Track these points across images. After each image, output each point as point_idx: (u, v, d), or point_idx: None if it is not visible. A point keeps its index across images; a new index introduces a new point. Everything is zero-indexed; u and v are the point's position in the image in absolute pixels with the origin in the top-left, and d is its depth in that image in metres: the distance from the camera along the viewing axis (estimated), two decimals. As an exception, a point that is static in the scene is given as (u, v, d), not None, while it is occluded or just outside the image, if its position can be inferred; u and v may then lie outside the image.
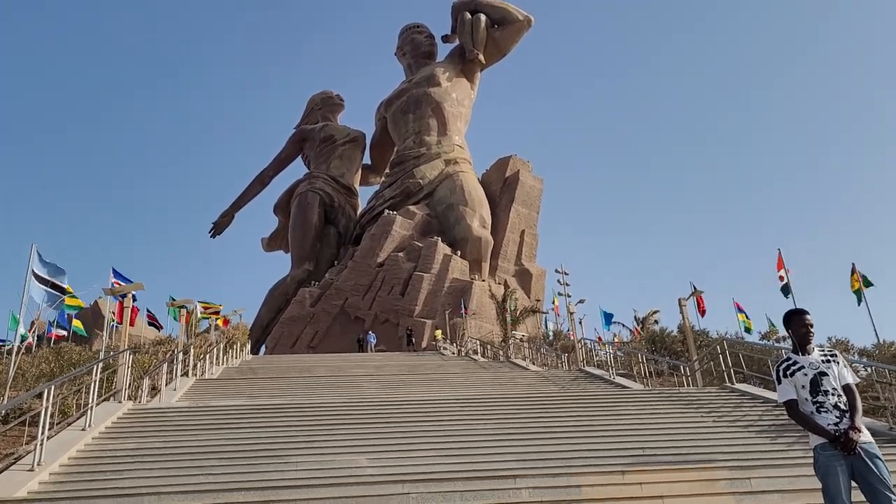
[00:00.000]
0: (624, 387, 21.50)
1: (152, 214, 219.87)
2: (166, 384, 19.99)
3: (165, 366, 20.13)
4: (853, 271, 24.84)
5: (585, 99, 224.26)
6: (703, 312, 27.03)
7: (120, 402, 16.29)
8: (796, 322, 6.69)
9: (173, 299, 32.23)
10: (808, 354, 6.59)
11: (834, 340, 24.91)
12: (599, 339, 40.11)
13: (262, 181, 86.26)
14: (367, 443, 12.95)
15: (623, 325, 63.72)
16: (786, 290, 25.49)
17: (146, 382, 18.12)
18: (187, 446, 12.86)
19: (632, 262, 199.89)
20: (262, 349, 66.69)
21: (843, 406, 6.33)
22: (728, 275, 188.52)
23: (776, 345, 25.58)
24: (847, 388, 6.42)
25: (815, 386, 6.42)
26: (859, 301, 25.06)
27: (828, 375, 6.44)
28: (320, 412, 15.52)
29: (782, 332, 33.35)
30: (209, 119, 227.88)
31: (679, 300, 23.12)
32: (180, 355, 22.84)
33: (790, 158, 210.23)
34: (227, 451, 12.52)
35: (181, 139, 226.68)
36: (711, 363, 20.90)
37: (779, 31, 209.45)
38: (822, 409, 6.37)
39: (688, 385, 20.97)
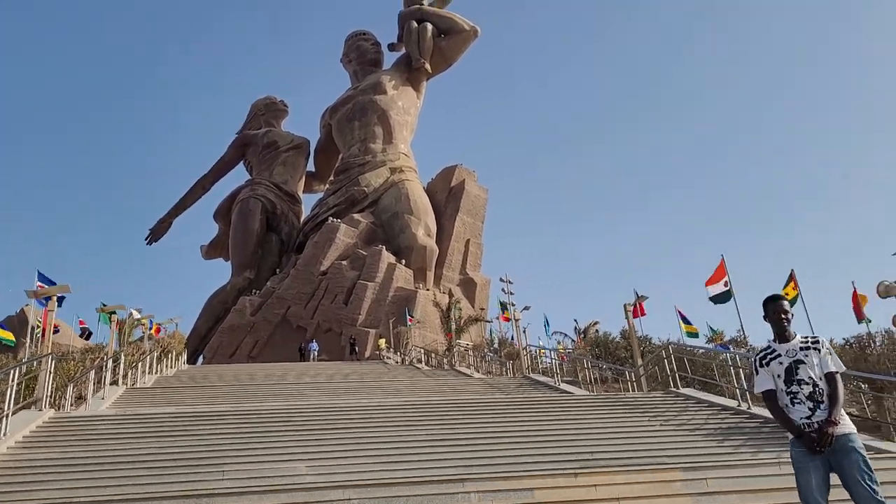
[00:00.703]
0: (570, 393, 21.30)
1: (86, 219, 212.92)
2: (93, 393, 18.90)
3: (93, 373, 19.04)
4: (791, 277, 25.28)
5: (530, 106, 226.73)
6: (642, 313, 26.96)
7: (40, 410, 15.24)
8: (770, 309, 6.35)
9: (104, 305, 30.82)
10: (788, 342, 6.24)
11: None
12: (542, 350, 40.04)
13: (202, 187, 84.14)
14: (306, 450, 12.34)
15: (565, 335, 64.13)
16: (727, 296, 25.70)
17: (70, 390, 17.05)
18: (113, 456, 12.02)
19: (574, 269, 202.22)
20: (200, 359, 64.75)
21: (818, 397, 5.94)
22: (670, 282, 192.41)
23: (720, 348, 25.81)
24: (829, 377, 6.02)
25: (790, 375, 6.08)
26: (793, 304, 25.37)
27: (804, 364, 6.07)
28: (258, 419, 14.81)
29: (728, 335, 33.82)
30: (152, 124, 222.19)
31: (624, 305, 23.12)
32: (109, 363, 21.68)
33: (732, 160, 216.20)
34: (157, 459, 11.75)
35: (120, 143, 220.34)
36: (656, 368, 20.89)
37: (716, 32, 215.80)
38: (795, 401, 6.02)
39: (633, 390, 20.91)
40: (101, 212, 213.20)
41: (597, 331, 64.02)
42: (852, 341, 23.43)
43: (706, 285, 25.85)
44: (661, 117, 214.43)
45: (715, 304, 25.67)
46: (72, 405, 17.26)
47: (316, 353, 52.55)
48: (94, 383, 18.92)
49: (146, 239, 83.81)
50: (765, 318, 6.46)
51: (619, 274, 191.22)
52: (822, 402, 5.94)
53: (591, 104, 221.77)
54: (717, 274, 25.86)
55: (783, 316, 6.28)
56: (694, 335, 36.53)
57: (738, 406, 15.56)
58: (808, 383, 6.02)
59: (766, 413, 14.78)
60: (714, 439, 13.01)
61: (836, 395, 5.93)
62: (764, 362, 6.30)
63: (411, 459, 11.64)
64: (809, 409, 5.95)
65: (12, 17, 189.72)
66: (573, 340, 61.76)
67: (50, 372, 15.83)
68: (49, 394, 15.56)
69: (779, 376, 6.16)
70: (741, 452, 11.75)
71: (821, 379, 6.01)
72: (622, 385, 22.40)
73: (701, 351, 22.42)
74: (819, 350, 6.13)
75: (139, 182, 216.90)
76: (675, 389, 18.53)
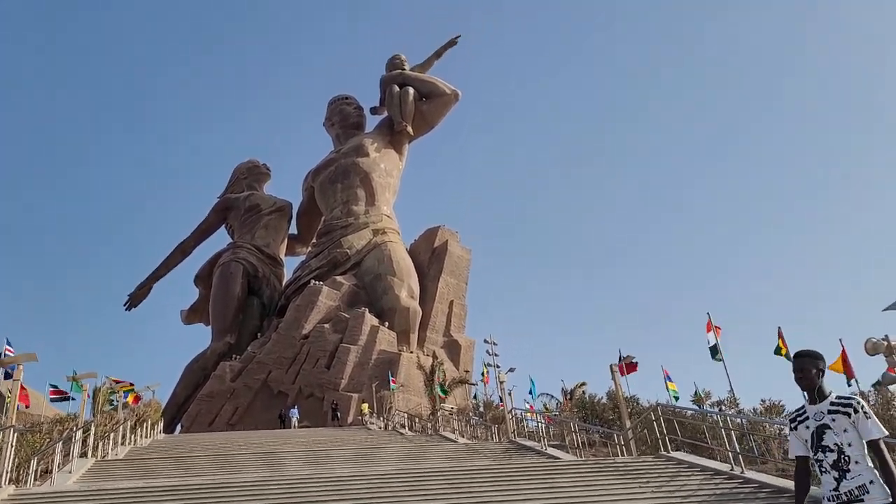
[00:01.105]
0: (557, 458, 20.66)
1: (62, 285, 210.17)
2: (60, 466, 18.02)
3: (60, 446, 18.17)
4: (780, 335, 25.03)
5: (512, 165, 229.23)
6: (634, 367, 26.42)
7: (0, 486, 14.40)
8: (793, 366, 5.78)
9: (76, 373, 29.88)
10: (818, 403, 5.65)
11: (769, 403, 24.84)
12: (531, 408, 39.25)
13: (182, 251, 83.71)
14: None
15: (551, 396, 63.23)
16: (713, 351, 25.39)
17: (34, 464, 16.20)
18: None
19: (560, 328, 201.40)
20: (178, 428, 63.06)
21: (844, 465, 5.31)
22: (656, 342, 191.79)
23: (709, 410, 25.30)
24: (872, 446, 5.34)
25: (817, 441, 5.50)
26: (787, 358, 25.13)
27: (830, 429, 5.45)
28: (232, 494, 14.09)
29: (716, 396, 33.20)
30: (131, 186, 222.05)
31: (611, 366, 22.68)
32: (79, 433, 20.78)
33: (715, 224, 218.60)
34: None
35: (98, 210, 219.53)
36: (645, 430, 20.35)
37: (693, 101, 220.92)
38: (822, 470, 5.45)
39: (622, 454, 20.30)
40: (78, 279, 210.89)
41: (584, 392, 63.23)
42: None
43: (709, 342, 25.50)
44: (646, 171, 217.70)
45: (714, 357, 25.28)
46: (36, 480, 16.38)
47: (296, 420, 51.33)
48: (61, 456, 18.02)
49: (125, 305, 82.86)
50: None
51: (606, 333, 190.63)
52: (849, 470, 5.32)
53: (572, 160, 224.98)
54: (708, 329, 25.62)
55: (800, 375, 5.70)
56: (675, 397, 35.99)
57: (731, 470, 15.02)
58: (832, 450, 5.42)
59: (762, 478, 14.28)
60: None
61: (888, 470, 5.18)
62: (793, 426, 5.76)
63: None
64: (835, 478, 5.36)
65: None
66: (559, 402, 60.86)
67: (11, 445, 15.06)
68: (10, 469, 14.75)
69: (806, 441, 5.62)
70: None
71: (849, 445, 5.36)
72: (611, 448, 21.77)
73: (690, 413, 21.97)
74: (849, 414, 5.46)
75: (119, 247, 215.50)
76: (665, 453, 17.95)
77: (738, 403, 26.09)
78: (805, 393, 5.78)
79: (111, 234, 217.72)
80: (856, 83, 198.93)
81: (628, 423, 21.49)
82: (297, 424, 50.39)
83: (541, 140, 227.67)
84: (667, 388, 31.85)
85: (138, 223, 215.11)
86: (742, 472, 14.71)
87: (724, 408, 26.93)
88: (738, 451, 15.26)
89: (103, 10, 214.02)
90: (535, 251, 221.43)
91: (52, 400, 40.91)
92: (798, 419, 5.74)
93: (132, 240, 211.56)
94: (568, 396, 62.80)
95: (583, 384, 66.10)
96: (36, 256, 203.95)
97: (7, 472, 14.71)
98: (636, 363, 24.06)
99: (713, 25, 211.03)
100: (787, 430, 5.95)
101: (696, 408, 27.42)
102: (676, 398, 37.54)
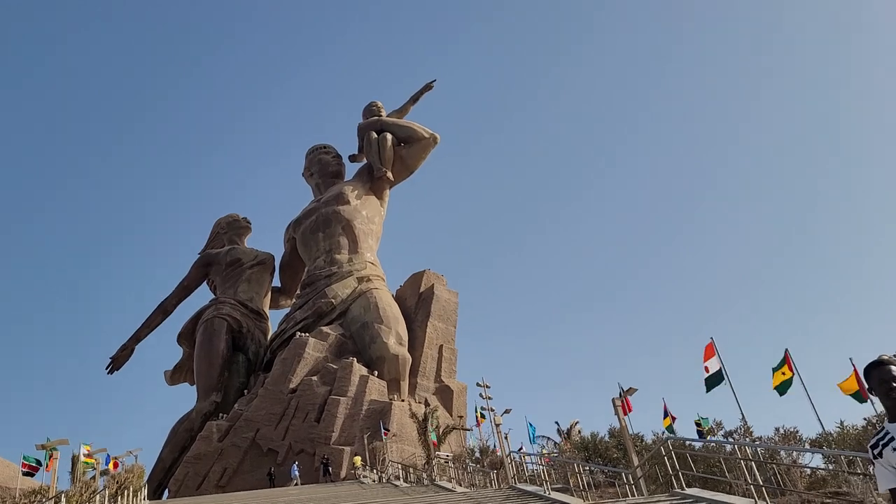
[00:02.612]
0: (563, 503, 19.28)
1: (41, 352, 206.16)
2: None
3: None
4: (785, 359, 23.89)
5: (494, 206, 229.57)
6: (629, 408, 25.24)
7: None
8: (874, 378, 4.68)
9: (49, 440, 28.26)
10: None
11: (783, 431, 23.56)
12: (525, 453, 37.71)
13: (164, 311, 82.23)
14: None
15: (548, 438, 61.74)
16: (715, 379, 24.16)
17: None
18: None
19: (550, 369, 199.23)
20: (166, 493, 60.78)
21: None
22: (651, 375, 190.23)
23: (724, 441, 24.00)
24: None
25: None
26: (783, 392, 23.98)
27: None
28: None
29: (729, 426, 31.75)
30: (106, 242, 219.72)
31: (613, 400, 21.45)
32: (47, 506, 19.18)
33: (693, 248, 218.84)
34: None
35: (70, 271, 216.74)
36: (655, 467, 19.07)
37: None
38: None
39: (632, 494, 18.95)
40: (55, 342, 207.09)
41: (579, 431, 61.76)
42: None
43: (706, 371, 24.34)
44: (631, 199, 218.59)
45: (708, 390, 24.12)
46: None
47: (297, 477, 49.38)
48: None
49: (107, 368, 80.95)
50: (869, 390, 4.87)
51: (596, 370, 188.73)
52: None
53: (557, 191, 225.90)
54: (707, 356, 24.45)
55: (893, 385, 4.58)
56: (669, 429, 34.62)
57: (755, 505, 13.80)
58: None
59: (789, 512, 13.07)
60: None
61: None
62: (876, 452, 4.64)
63: None
64: None
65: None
66: (556, 443, 59.35)
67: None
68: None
69: (894, 467, 4.53)
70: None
71: None
72: (618, 489, 20.42)
73: (698, 446, 20.70)
74: None
75: (99, 309, 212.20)
76: (679, 490, 16.63)
77: (751, 432, 24.80)
78: (886, 409, 4.68)
79: (77, 295, 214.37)
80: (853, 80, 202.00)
81: (636, 461, 20.18)
82: (298, 482, 48.45)
83: (525, 174, 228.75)
84: (669, 427, 30.55)
85: (112, 283, 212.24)
86: (766, 507, 13.52)
87: (737, 438, 25.54)
88: (761, 482, 14.06)
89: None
90: (520, 292, 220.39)
91: (25, 474, 39.00)
92: (882, 443, 4.61)
93: (103, 302, 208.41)
94: (565, 436, 61.38)
95: (576, 422, 64.73)
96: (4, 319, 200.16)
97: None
98: (635, 389, 22.80)
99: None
100: (871, 459, 4.72)
101: (706, 440, 26.00)
102: (671, 430, 36.26)
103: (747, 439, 23.41)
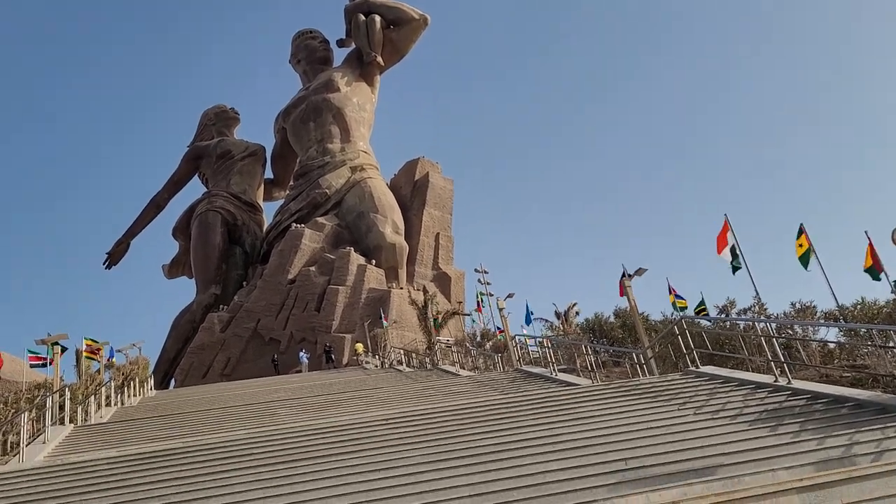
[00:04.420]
0: (571, 384, 19.18)
1: (45, 245, 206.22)
2: (30, 438, 16.32)
3: (27, 415, 16.40)
4: (801, 232, 23.37)
5: (488, 90, 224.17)
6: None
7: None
8: None
9: (49, 335, 28.05)
10: None
11: (799, 305, 23.41)
12: (529, 336, 37.78)
13: (157, 205, 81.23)
14: (281, 490, 10.04)
15: (546, 320, 62.27)
16: (735, 260, 23.59)
17: (-6, 440, 14.48)
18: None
19: (548, 253, 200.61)
20: (172, 383, 62.03)
21: None
22: (650, 255, 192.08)
23: (741, 318, 23.79)
24: None
25: None
26: (806, 265, 23.55)
27: None
28: (223, 455, 12.48)
29: (743, 304, 31.43)
30: (97, 136, 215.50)
31: (621, 281, 21.06)
32: (51, 399, 19.04)
33: (689, 126, 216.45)
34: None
35: (71, 162, 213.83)
36: (669, 347, 18.82)
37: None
38: None
39: (643, 374, 18.82)
40: (54, 238, 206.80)
41: (577, 313, 62.33)
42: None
43: (718, 253, 23.76)
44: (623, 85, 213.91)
45: (734, 273, 23.59)
46: (5, 455, 14.70)
47: (307, 364, 50.00)
48: (26, 426, 16.19)
49: (104, 263, 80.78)
50: None
51: (593, 252, 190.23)
52: None
53: (553, 77, 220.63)
54: (722, 238, 23.83)
55: None
56: (683, 309, 34.46)
57: (776, 382, 13.52)
58: None
59: (813, 387, 12.81)
60: (765, 427, 10.83)
61: None
62: None
63: (408, 492, 9.41)
64: None
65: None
66: (554, 325, 59.94)
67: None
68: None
69: None
70: (808, 440, 9.67)
71: None
72: (626, 369, 20.33)
73: (707, 325, 20.53)
74: None
75: (95, 207, 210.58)
76: (694, 369, 16.41)
77: (766, 310, 24.58)
78: None
79: (75, 189, 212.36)
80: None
81: (647, 341, 19.99)
82: (307, 368, 49.13)
83: (519, 62, 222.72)
84: (673, 304, 30.12)
85: (105, 178, 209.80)
86: (789, 383, 13.22)
87: (753, 315, 25.32)
88: (783, 358, 13.75)
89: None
90: (516, 176, 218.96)
91: (33, 366, 39.29)
92: None
93: (98, 195, 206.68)
94: (563, 318, 61.97)
95: (574, 304, 65.35)
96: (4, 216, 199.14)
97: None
98: (644, 270, 22.23)
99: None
100: None
101: (722, 318, 25.77)
102: (685, 310, 36.07)
103: (762, 317, 23.30)
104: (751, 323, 17.08)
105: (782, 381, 13.43)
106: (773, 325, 15.65)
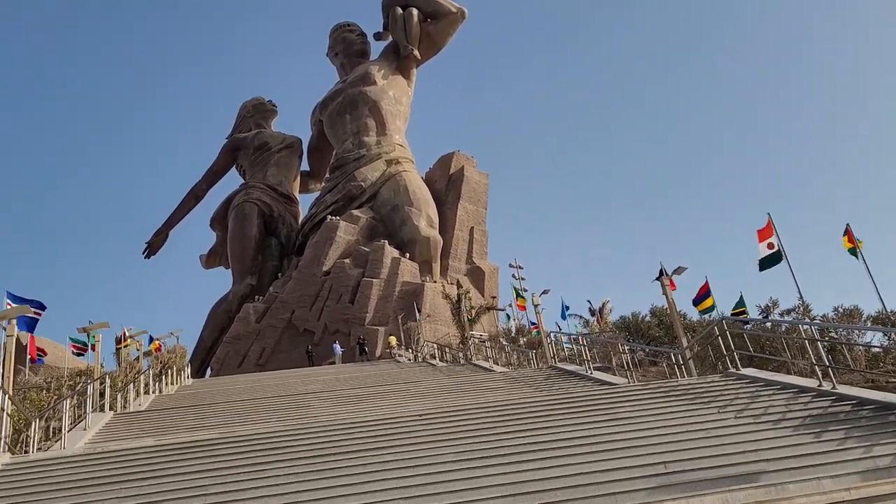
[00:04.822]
0: (607, 383, 18.97)
1: (83, 238, 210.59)
2: (71, 425, 16.62)
3: (67, 402, 16.70)
4: (846, 232, 22.83)
5: (526, 86, 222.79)
6: (673, 287, 24.30)
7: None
8: None
9: (91, 323, 28.61)
10: None
11: (842, 310, 22.86)
12: (565, 333, 37.48)
13: (195, 196, 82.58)
14: (316, 485, 10.06)
15: (580, 317, 61.79)
16: (772, 259, 23.15)
17: (35, 426, 14.73)
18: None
19: (584, 250, 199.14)
20: (208, 372, 63.01)
21: None
22: (684, 255, 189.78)
23: (785, 320, 23.30)
24: None
25: None
26: (857, 256, 22.94)
27: None
28: (260, 447, 12.55)
29: (785, 305, 30.56)
30: (140, 130, 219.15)
31: (660, 279, 20.70)
32: (91, 387, 19.37)
33: (723, 127, 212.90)
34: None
35: (101, 154, 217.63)
36: (708, 347, 18.49)
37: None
38: None
39: (680, 375, 18.51)
40: (93, 227, 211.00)
41: (610, 309, 61.72)
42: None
43: (760, 242, 23.29)
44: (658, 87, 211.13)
45: (762, 269, 23.21)
46: (42, 443, 14.98)
47: (340, 355, 50.34)
48: (67, 413, 16.51)
49: (143, 253, 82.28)
50: None
51: (628, 251, 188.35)
52: None
53: (591, 77, 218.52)
54: (764, 234, 23.39)
55: None
56: (709, 310, 33.48)
57: (820, 386, 13.18)
58: None
59: (859, 392, 12.45)
60: (811, 433, 10.52)
61: None
62: None
63: (441, 490, 9.35)
64: None
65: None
66: (588, 323, 59.42)
67: (5, 410, 13.56)
68: (5, 435, 13.29)
69: None
70: (855, 448, 9.36)
71: None
72: (663, 369, 20.03)
73: (748, 326, 20.13)
74: None
75: (132, 197, 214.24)
76: (734, 371, 16.08)
77: (810, 311, 24.03)
78: None
79: (110, 182, 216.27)
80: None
81: (685, 341, 19.64)
82: (340, 359, 49.47)
83: (556, 57, 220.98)
84: (696, 306, 29.24)
85: (139, 169, 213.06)
86: (834, 388, 12.87)
87: (796, 317, 24.81)
88: (828, 363, 13.40)
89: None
90: (551, 172, 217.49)
91: (76, 354, 40.21)
92: None
93: (137, 187, 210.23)
94: (598, 315, 61.39)
95: (606, 301, 64.69)
96: (42, 211, 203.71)
97: (2, 439, 13.25)
98: (684, 268, 21.80)
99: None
100: None
101: (765, 319, 25.24)
102: (711, 310, 35.23)
103: (806, 319, 22.77)
104: (792, 325, 16.62)
105: (826, 386, 13.06)
106: (815, 327, 15.23)
